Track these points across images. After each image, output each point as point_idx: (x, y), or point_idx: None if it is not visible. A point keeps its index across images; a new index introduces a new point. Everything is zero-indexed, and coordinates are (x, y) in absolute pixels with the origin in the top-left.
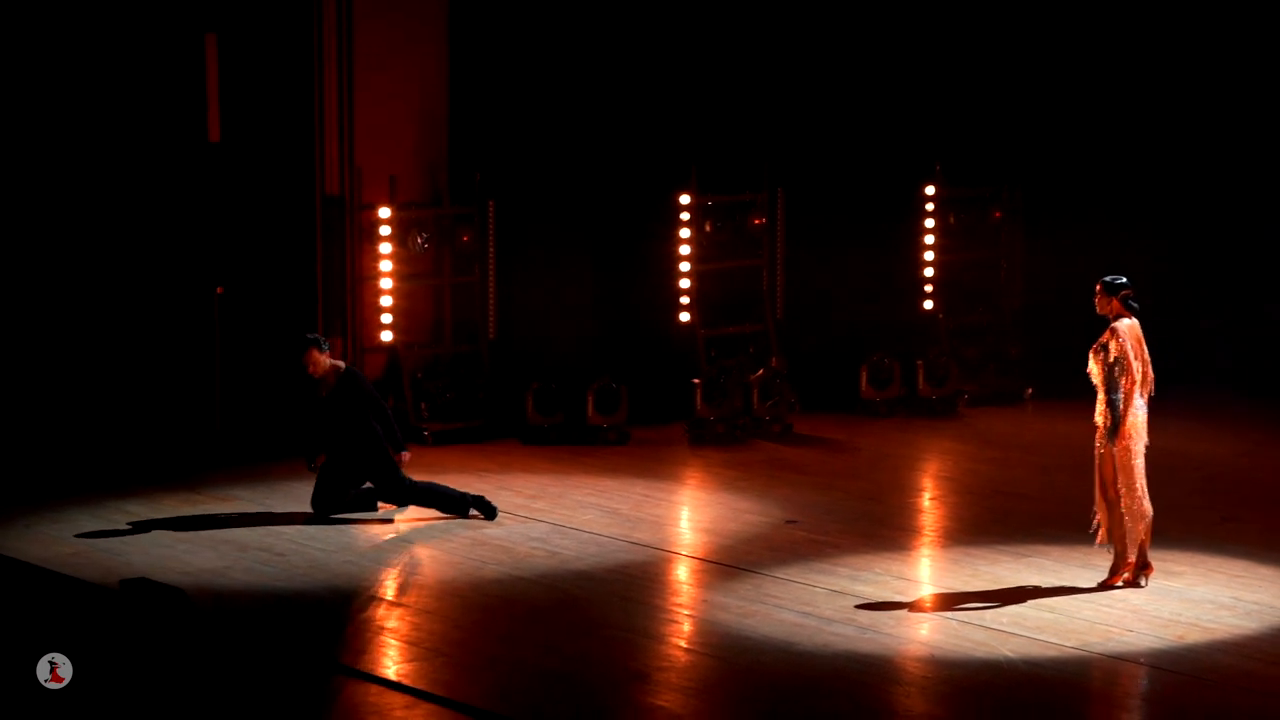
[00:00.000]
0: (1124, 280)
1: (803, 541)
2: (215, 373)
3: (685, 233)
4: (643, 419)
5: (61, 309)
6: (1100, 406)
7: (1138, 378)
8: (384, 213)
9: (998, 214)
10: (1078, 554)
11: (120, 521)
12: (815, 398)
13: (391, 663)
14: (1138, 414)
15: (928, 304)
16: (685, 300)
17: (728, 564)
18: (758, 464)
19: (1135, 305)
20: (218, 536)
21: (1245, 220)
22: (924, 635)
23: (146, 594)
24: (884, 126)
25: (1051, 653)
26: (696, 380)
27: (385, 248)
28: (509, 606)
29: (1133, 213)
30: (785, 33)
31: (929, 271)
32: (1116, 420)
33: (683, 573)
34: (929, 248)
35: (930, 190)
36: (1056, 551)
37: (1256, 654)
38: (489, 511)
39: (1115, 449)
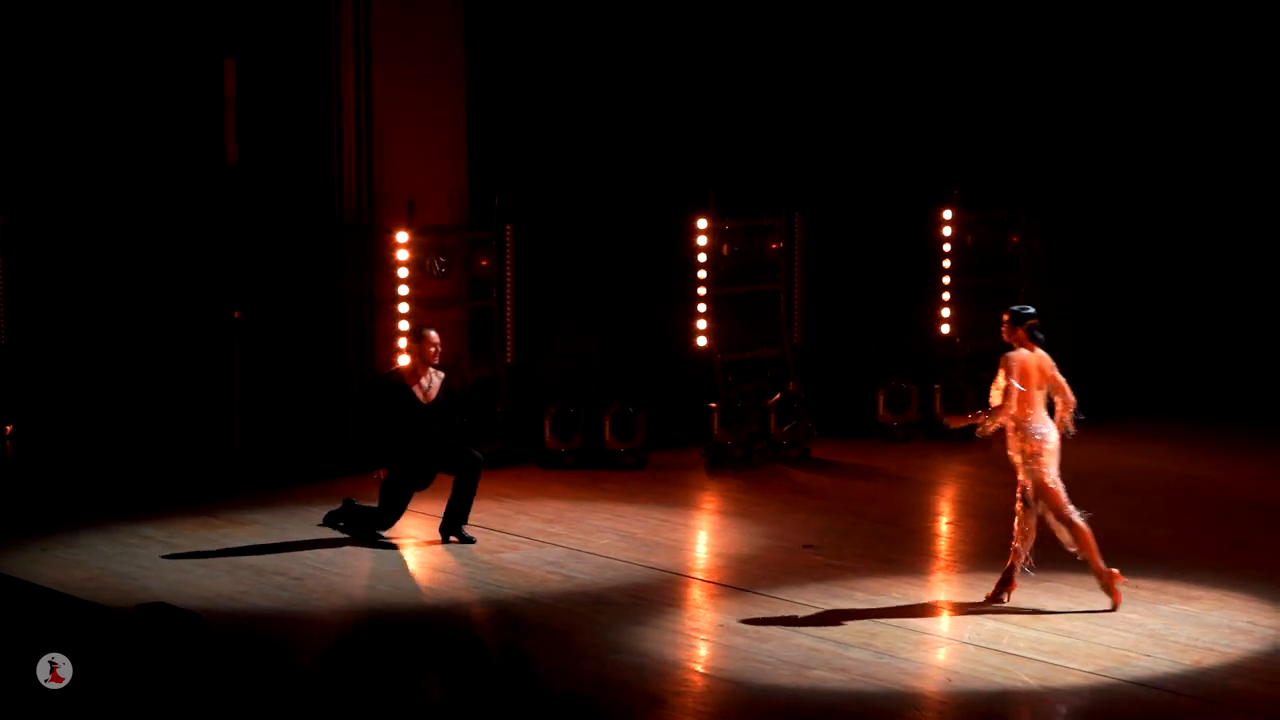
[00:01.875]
0: (1031, 310)
1: (819, 566)
2: (233, 397)
3: (703, 257)
4: (660, 443)
5: (80, 332)
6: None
7: (1038, 404)
8: (402, 237)
9: (1015, 238)
10: (1094, 578)
11: (137, 545)
12: (832, 422)
13: None
14: (1050, 440)
15: (945, 328)
16: (702, 324)
17: (744, 588)
18: (775, 488)
19: (1041, 336)
20: (235, 561)
21: (1263, 244)
22: (941, 660)
23: (163, 619)
24: (901, 151)
25: (1069, 678)
26: (714, 405)
27: (403, 272)
28: (525, 630)
29: (1150, 237)
30: (802, 57)
31: (946, 296)
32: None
33: (699, 597)
34: (946, 272)
35: (948, 214)
36: (1072, 576)
37: (1271, 679)
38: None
39: (1033, 480)
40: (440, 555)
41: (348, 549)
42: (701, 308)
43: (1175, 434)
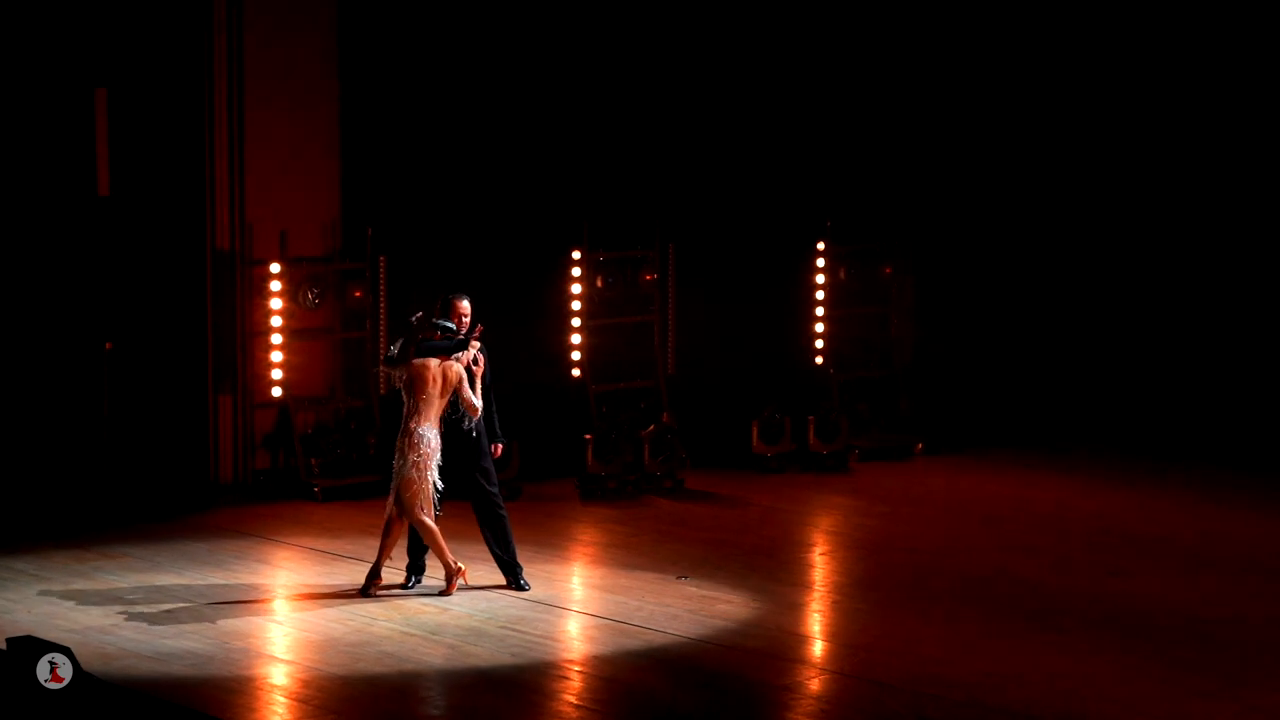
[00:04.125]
0: (451, 326)
1: (694, 597)
2: (104, 428)
3: (577, 288)
4: (534, 475)
5: None
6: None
7: (435, 412)
8: (275, 268)
9: (888, 269)
10: (970, 605)
11: (7, 579)
12: (706, 453)
13: None
14: (435, 446)
15: (819, 359)
16: (576, 356)
17: (619, 620)
18: (649, 520)
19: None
20: (106, 593)
21: (1134, 274)
22: (815, 689)
23: (34, 652)
24: (775, 183)
25: (945, 709)
26: (588, 436)
27: (276, 303)
28: (399, 663)
29: (1021, 266)
30: (676, 90)
31: (820, 327)
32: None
33: (574, 629)
34: (820, 303)
35: (821, 246)
36: (947, 604)
37: None
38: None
39: (404, 479)
40: (312, 588)
41: (217, 582)
42: (576, 339)
43: (1045, 463)
